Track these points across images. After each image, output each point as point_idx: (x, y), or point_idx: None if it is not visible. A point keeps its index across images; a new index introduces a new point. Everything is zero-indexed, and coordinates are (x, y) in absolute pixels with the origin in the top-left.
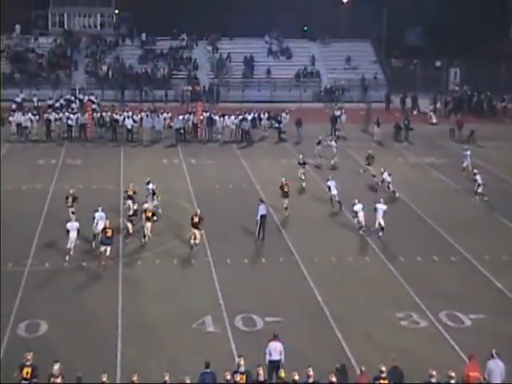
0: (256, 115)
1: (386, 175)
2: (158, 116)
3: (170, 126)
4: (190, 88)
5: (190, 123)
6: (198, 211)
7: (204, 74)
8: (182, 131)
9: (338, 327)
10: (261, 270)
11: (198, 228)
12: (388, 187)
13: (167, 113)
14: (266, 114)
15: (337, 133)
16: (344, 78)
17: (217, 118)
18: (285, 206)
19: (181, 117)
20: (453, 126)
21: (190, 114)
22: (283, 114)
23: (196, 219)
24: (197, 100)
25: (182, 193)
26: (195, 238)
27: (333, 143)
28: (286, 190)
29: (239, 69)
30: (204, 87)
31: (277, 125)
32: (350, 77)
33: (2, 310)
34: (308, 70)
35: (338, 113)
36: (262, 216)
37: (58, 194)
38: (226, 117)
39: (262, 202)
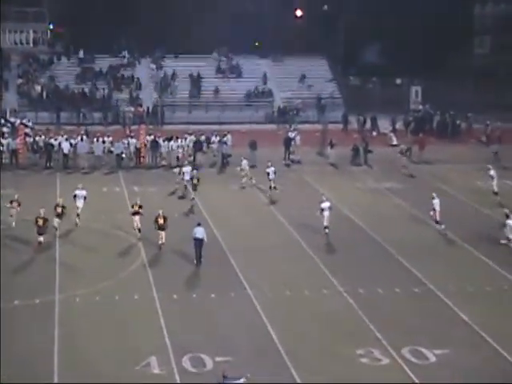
0: (203, 138)
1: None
2: (98, 140)
3: (111, 151)
4: (132, 109)
5: (133, 148)
6: (161, 212)
7: (147, 94)
8: (124, 156)
9: (294, 366)
10: (210, 305)
11: (163, 229)
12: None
13: (107, 137)
14: (218, 137)
15: (291, 156)
16: (298, 97)
17: (162, 142)
18: (192, 196)
19: (122, 141)
20: (411, 145)
21: (132, 137)
22: (228, 136)
23: (161, 220)
24: (140, 122)
25: (123, 223)
26: (162, 240)
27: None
28: (195, 183)
29: (185, 88)
30: (147, 108)
31: (225, 147)
32: (304, 96)
33: None
34: (259, 89)
35: (292, 135)
36: (195, 239)
37: None
38: (172, 141)
39: (199, 224)
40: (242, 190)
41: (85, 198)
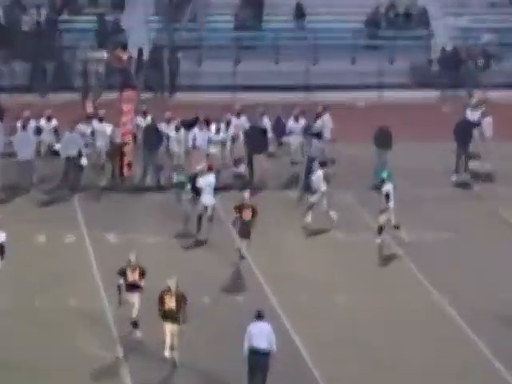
0: (268, 121)
1: None
2: (24, 126)
3: (54, 152)
4: (105, 55)
5: (103, 143)
6: (173, 283)
7: (139, 18)
8: (84, 163)
9: None
10: None
11: (176, 320)
12: None
13: (47, 118)
14: (303, 119)
15: (471, 163)
16: (487, 27)
17: (171, 130)
18: (240, 249)
19: (80, 128)
20: None
21: (101, 120)
22: (326, 117)
23: (171, 303)
24: (122, 86)
25: (89, 319)
26: (172, 349)
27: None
28: (247, 220)
29: (226, 8)
30: (139, 53)
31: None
32: (500, 26)
33: None
34: (399, 9)
35: (474, 114)
36: (253, 351)
37: None
38: (196, 128)
39: (259, 317)
40: (351, 238)
41: (2, 248)
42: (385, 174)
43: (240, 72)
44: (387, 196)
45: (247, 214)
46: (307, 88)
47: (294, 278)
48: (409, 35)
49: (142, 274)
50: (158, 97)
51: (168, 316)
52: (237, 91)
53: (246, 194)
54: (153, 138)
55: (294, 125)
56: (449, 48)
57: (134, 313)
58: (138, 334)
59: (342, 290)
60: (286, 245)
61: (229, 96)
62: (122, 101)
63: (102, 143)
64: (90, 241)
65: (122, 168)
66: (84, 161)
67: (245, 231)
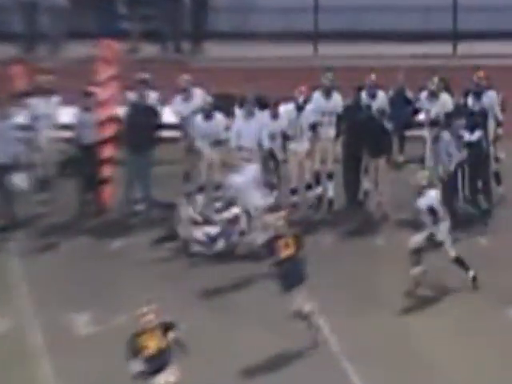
0: (384, 100)
1: None
2: None
3: None
4: None
5: (52, 143)
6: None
7: None
8: (23, 185)
9: None
10: None
11: None
12: None
13: None
14: (447, 99)
15: None
16: None
17: (193, 115)
18: None
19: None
20: None
21: (47, 94)
22: (487, 95)
23: None
24: (100, 33)
25: None
26: None
27: None
28: (283, 254)
29: None
30: None
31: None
32: None
33: None
34: None
35: None
36: None
37: None
38: (240, 113)
39: None
40: None
41: None
42: (432, 172)
43: (325, 5)
44: (431, 211)
45: (285, 249)
46: (454, 37)
47: None
48: None
49: (168, 331)
50: (169, 52)
51: None
52: (320, 42)
53: (276, 216)
54: (143, 128)
55: (430, 105)
56: None
57: None
58: None
59: None
60: (405, 319)
61: (305, 51)
62: (98, 60)
63: (47, 137)
64: (41, 329)
65: (96, 188)
66: (21, 180)
67: (290, 276)
